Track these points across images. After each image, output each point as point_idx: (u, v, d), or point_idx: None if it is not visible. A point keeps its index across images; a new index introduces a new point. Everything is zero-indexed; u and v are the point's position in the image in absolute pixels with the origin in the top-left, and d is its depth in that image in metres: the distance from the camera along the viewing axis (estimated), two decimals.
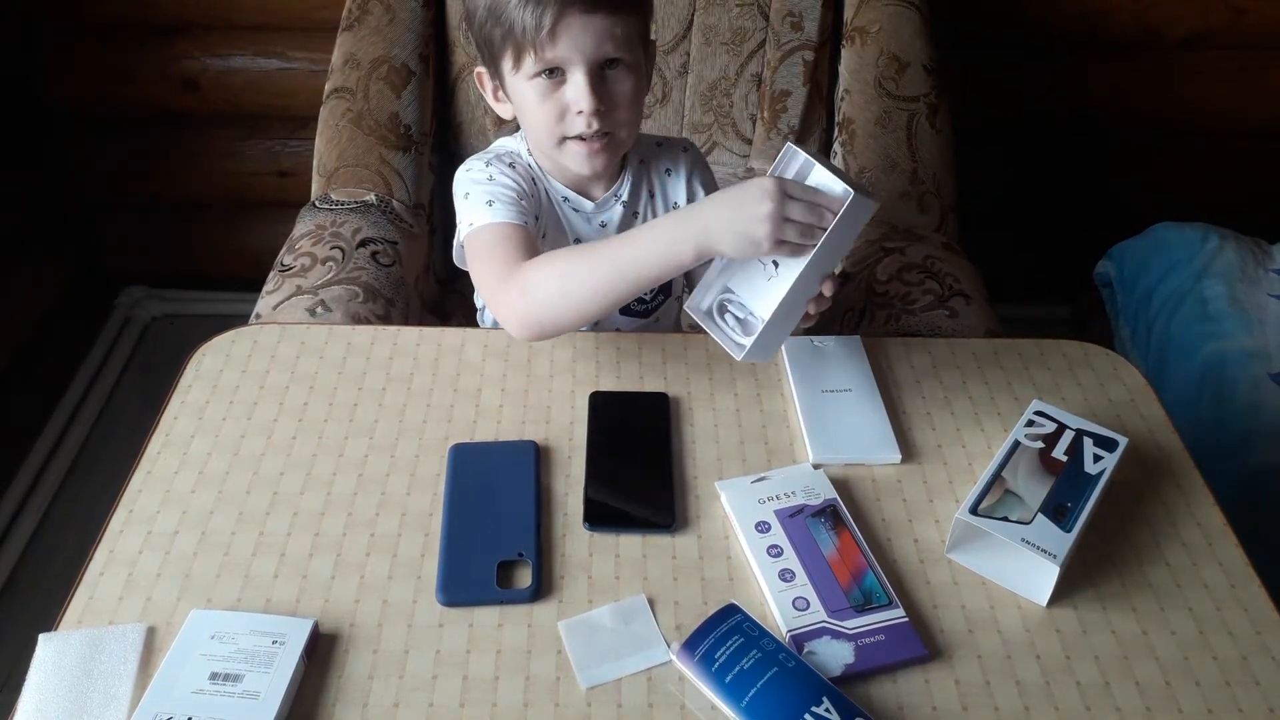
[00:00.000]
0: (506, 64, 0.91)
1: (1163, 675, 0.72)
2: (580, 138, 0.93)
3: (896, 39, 1.42)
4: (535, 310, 0.88)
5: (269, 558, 0.78)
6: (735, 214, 0.81)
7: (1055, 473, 0.81)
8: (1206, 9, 1.72)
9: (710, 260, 0.86)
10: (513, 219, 0.93)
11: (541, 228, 1.00)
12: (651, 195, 1.05)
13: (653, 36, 0.99)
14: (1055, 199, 1.95)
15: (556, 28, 0.86)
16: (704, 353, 0.98)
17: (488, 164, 0.98)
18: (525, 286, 0.87)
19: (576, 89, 0.90)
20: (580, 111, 0.90)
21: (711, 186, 1.09)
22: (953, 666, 0.72)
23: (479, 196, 0.95)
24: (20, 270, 1.83)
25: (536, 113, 0.93)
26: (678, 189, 1.06)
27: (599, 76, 0.90)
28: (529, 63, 0.89)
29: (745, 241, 0.81)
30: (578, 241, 1.03)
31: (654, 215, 1.05)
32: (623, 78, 0.92)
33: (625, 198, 1.03)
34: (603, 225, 1.03)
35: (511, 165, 0.99)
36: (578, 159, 0.95)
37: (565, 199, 1.02)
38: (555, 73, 0.90)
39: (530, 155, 1.01)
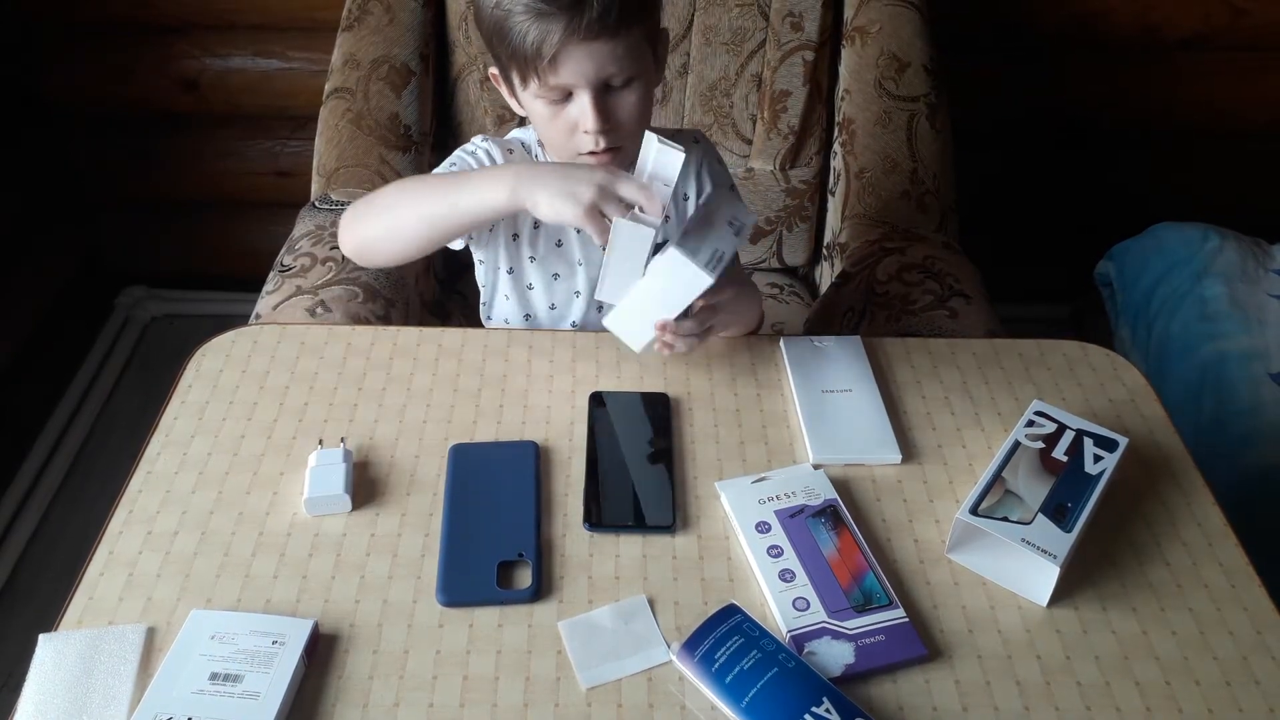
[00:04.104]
0: (514, 79, 0.93)
1: (1163, 675, 0.72)
2: (591, 152, 0.94)
3: (896, 39, 1.42)
4: (364, 222, 0.94)
5: (269, 558, 0.78)
6: (564, 173, 0.85)
7: (1055, 473, 0.81)
8: (1206, 9, 1.72)
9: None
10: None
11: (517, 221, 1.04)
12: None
13: (664, 24, 0.99)
14: (1055, 199, 1.95)
15: (558, 56, 0.87)
16: (704, 353, 0.98)
17: (484, 140, 1.03)
18: (368, 199, 0.94)
19: (582, 110, 0.91)
20: (587, 131, 0.91)
21: (723, 177, 1.09)
22: (953, 667, 0.72)
23: (452, 157, 1.01)
24: (20, 270, 1.83)
25: (547, 129, 0.95)
26: (687, 180, 1.06)
27: (604, 95, 0.91)
28: (534, 85, 0.90)
29: (562, 197, 0.83)
30: (579, 230, 1.03)
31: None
32: (628, 93, 0.92)
33: None
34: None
35: (510, 152, 1.02)
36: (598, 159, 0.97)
37: None
38: (563, 91, 0.91)
39: (539, 146, 1.03)
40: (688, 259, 0.81)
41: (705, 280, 0.82)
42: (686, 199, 1.07)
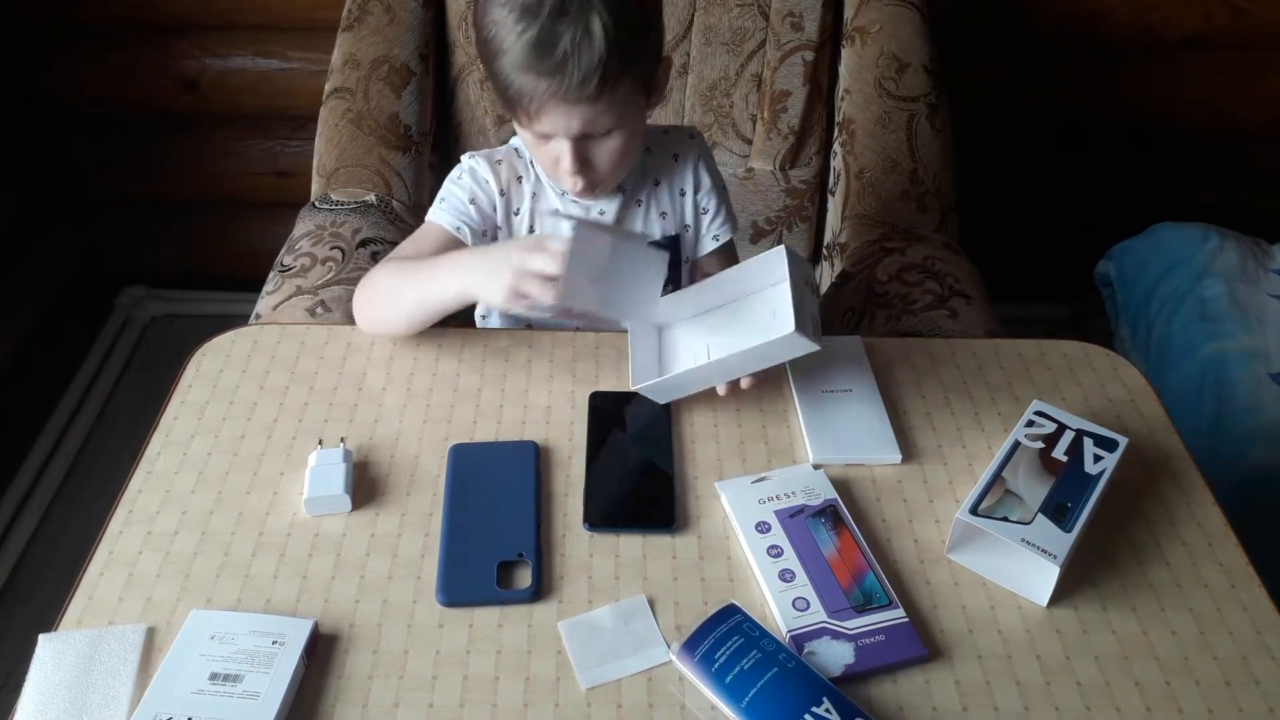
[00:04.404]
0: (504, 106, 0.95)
1: (1163, 675, 0.72)
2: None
3: (896, 39, 1.42)
4: (362, 311, 0.99)
5: (269, 558, 0.78)
6: (488, 257, 0.89)
7: (1055, 473, 0.81)
8: (1206, 10, 1.72)
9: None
10: (441, 220, 1.02)
11: (503, 227, 1.05)
12: (656, 183, 1.06)
13: (666, 53, 0.99)
14: (1055, 199, 1.95)
15: (540, 110, 0.89)
16: None
17: (471, 157, 1.05)
18: (363, 285, 0.99)
19: (561, 154, 0.93)
20: (565, 173, 0.94)
21: (716, 176, 1.09)
22: (953, 666, 0.72)
23: (441, 191, 1.04)
24: (20, 270, 1.83)
25: (533, 154, 0.99)
26: (684, 176, 1.07)
27: (584, 143, 0.93)
28: (521, 121, 0.93)
29: (490, 286, 0.85)
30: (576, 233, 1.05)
31: (657, 203, 1.06)
32: (609, 140, 0.94)
33: (626, 187, 1.04)
34: (601, 213, 1.05)
35: (500, 162, 1.04)
36: (572, 193, 1.00)
37: (564, 192, 1.03)
38: (545, 134, 0.93)
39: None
40: (805, 339, 0.80)
41: (814, 348, 0.82)
42: (683, 194, 1.06)
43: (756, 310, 0.86)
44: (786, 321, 0.79)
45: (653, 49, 0.94)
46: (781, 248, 0.84)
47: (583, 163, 0.93)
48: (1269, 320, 1.49)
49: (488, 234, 1.05)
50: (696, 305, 0.92)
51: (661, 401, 0.91)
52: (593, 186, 0.97)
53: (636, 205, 1.05)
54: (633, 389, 0.88)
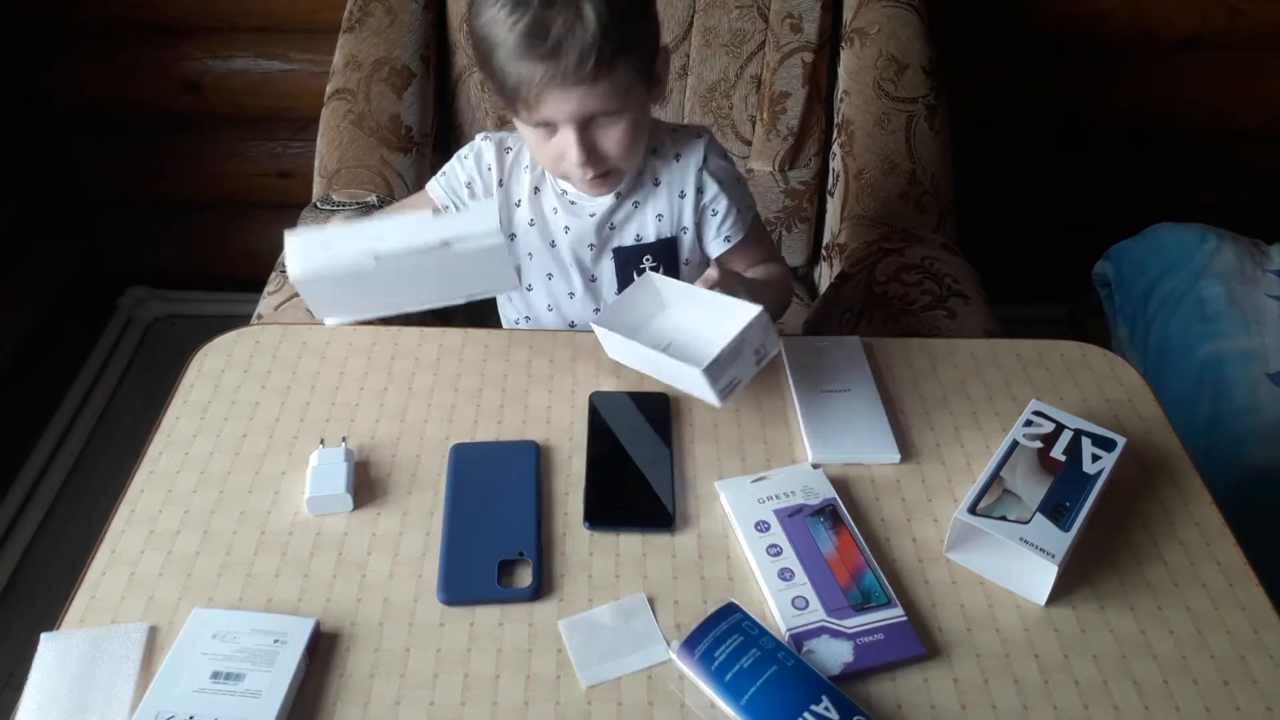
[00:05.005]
0: (503, 103, 0.95)
1: (1160, 674, 0.73)
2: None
3: (895, 40, 1.42)
4: None
5: (270, 557, 0.78)
6: None
7: (1053, 472, 0.81)
8: (1203, 10, 1.72)
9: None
10: (434, 194, 1.08)
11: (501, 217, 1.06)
12: (656, 183, 1.05)
13: (664, 42, 0.99)
14: (1053, 200, 1.95)
15: (539, 97, 0.89)
16: None
17: (484, 138, 1.07)
18: None
19: (565, 143, 0.93)
20: (572, 164, 0.94)
21: (727, 176, 1.07)
22: (951, 665, 0.73)
23: (448, 164, 1.08)
24: (22, 270, 1.83)
25: (537, 153, 0.99)
26: (686, 177, 1.05)
27: (588, 129, 0.93)
28: (522, 114, 0.93)
29: None
30: (567, 231, 1.06)
31: (655, 204, 1.05)
32: (613, 124, 0.94)
33: (622, 190, 1.04)
34: (591, 215, 1.05)
35: (509, 150, 1.05)
36: (583, 188, 1.01)
37: (564, 191, 1.05)
38: (548, 124, 0.93)
39: None
40: (709, 385, 0.82)
41: (715, 403, 0.85)
42: (683, 197, 1.05)
43: (709, 336, 0.88)
44: (704, 358, 0.82)
45: (649, 36, 0.95)
46: (756, 309, 0.85)
47: (590, 151, 0.93)
48: (1266, 320, 1.49)
49: None
50: (695, 302, 0.92)
51: (609, 353, 0.93)
52: (604, 176, 0.97)
53: (633, 207, 1.05)
54: (592, 325, 0.91)
